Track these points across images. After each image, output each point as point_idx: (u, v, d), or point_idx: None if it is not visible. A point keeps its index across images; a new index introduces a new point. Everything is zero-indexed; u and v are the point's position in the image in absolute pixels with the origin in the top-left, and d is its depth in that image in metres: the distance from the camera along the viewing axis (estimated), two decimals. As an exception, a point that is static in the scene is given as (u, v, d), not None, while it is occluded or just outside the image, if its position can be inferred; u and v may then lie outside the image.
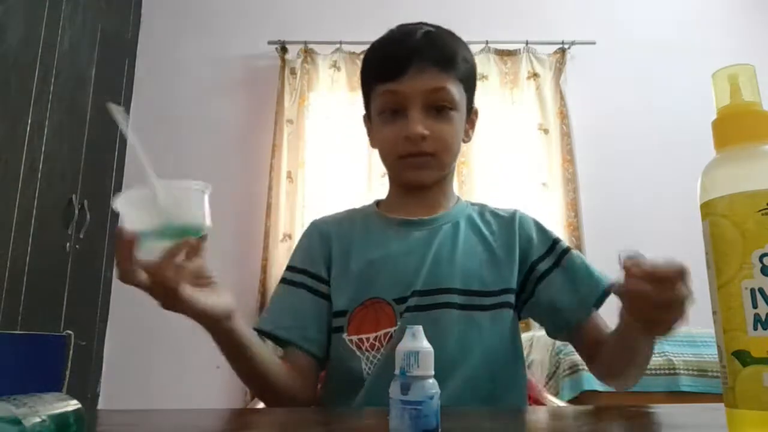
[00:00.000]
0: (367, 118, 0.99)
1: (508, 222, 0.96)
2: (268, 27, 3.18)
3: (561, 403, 1.19)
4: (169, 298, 0.63)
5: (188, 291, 0.66)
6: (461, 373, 0.83)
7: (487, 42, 3.12)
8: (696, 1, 3.38)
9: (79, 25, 2.49)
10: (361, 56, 3.09)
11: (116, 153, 2.94)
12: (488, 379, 0.85)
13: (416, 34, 0.90)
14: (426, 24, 0.94)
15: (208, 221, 0.68)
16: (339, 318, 0.88)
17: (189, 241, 0.66)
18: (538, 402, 1.07)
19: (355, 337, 0.86)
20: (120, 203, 0.64)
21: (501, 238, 0.94)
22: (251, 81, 3.19)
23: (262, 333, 0.88)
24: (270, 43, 3.12)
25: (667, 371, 1.85)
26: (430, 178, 0.92)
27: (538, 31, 3.18)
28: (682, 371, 1.84)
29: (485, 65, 3.09)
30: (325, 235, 0.96)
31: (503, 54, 3.16)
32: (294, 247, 1.00)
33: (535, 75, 3.12)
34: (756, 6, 3.36)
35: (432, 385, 0.47)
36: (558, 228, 2.91)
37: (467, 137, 0.97)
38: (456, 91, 0.89)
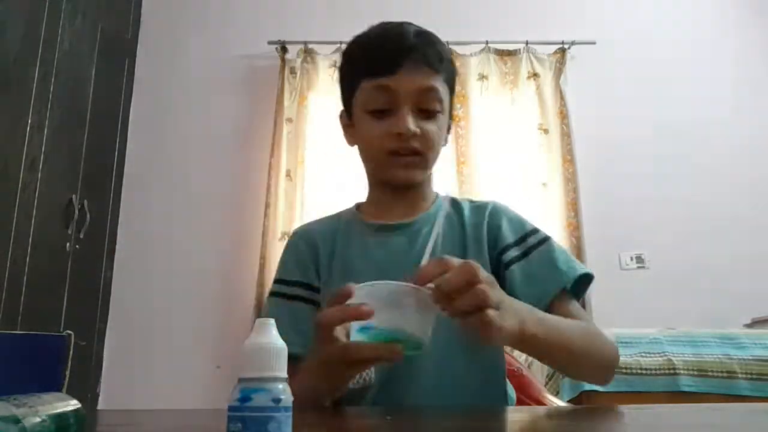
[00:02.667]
0: (346, 115, 0.96)
1: (481, 212, 0.95)
2: (268, 27, 3.18)
3: (561, 403, 1.19)
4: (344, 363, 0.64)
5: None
6: (448, 372, 0.84)
7: (487, 42, 3.11)
8: (696, 0, 3.38)
9: (79, 25, 2.49)
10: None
11: (116, 153, 2.94)
12: (471, 374, 0.86)
13: (410, 31, 0.89)
14: (411, 24, 0.93)
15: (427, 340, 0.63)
16: None
17: (398, 350, 0.60)
18: (538, 402, 1.07)
19: None
20: (359, 290, 0.61)
21: (472, 231, 0.93)
22: (251, 81, 3.19)
23: None
24: (270, 43, 3.12)
25: (667, 371, 1.85)
26: (417, 178, 0.92)
27: (538, 31, 3.17)
28: (682, 371, 1.84)
29: (485, 65, 3.09)
30: (311, 243, 0.96)
31: (503, 54, 3.15)
32: (281, 258, 0.99)
33: (535, 75, 3.12)
34: (755, 6, 3.36)
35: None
36: (558, 228, 2.91)
37: (444, 142, 0.95)
38: (443, 92, 0.89)
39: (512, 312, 0.65)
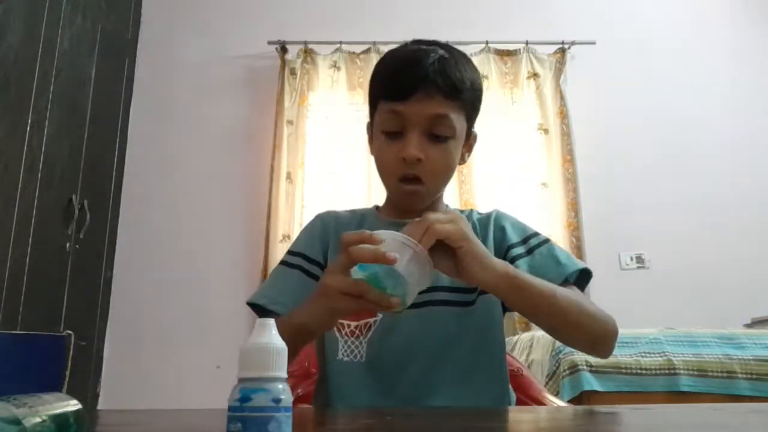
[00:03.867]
0: (370, 127, 1.01)
1: (486, 221, 1.01)
2: (268, 27, 3.18)
3: (561, 403, 1.19)
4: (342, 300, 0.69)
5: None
6: (445, 364, 0.89)
7: (487, 42, 3.11)
8: (695, 1, 3.38)
9: (79, 25, 2.49)
10: (361, 56, 3.12)
11: (116, 153, 2.94)
12: (471, 367, 0.90)
13: (429, 57, 0.90)
14: (440, 45, 0.94)
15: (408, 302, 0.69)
16: None
17: (390, 302, 0.67)
18: (538, 402, 1.07)
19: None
20: (384, 234, 0.68)
21: (480, 236, 0.97)
22: (251, 81, 3.19)
23: (254, 306, 0.94)
24: (270, 43, 3.12)
25: (667, 371, 1.85)
26: (420, 205, 0.96)
27: (538, 31, 3.17)
28: (682, 371, 1.84)
29: (485, 65, 3.09)
30: (326, 227, 1.02)
31: (503, 54, 3.15)
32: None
33: (535, 75, 3.12)
34: (755, 6, 3.36)
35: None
36: (558, 228, 2.91)
37: (463, 160, 1.00)
38: (457, 119, 0.92)
39: (488, 254, 0.76)
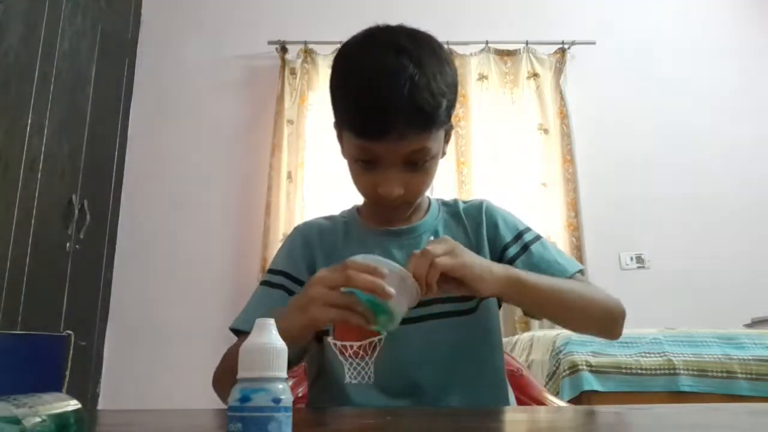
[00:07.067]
0: (339, 127, 0.95)
1: (476, 213, 0.98)
2: (268, 27, 3.18)
3: (561, 403, 1.19)
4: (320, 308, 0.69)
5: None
6: (453, 374, 0.87)
7: (487, 42, 3.11)
8: (696, 0, 3.38)
9: (79, 25, 2.49)
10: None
11: (116, 153, 2.94)
12: (477, 372, 0.89)
13: (398, 85, 0.77)
14: (405, 51, 0.81)
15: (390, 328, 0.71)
16: None
17: (373, 321, 0.68)
18: (539, 402, 1.07)
19: (339, 343, 0.88)
20: (388, 266, 0.69)
21: (473, 232, 0.97)
22: (251, 81, 3.19)
23: (238, 332, 0.90)
24: (270, 43, 3.12)
25: (667, 371, 1.85)
26: (403, 216, 0.95)
27: (538, 31, 3.17)
28: (682, 371, 1.84)
29: (485, 65, 3.09)
30: (308, 241, 0.98)
31: (503, 54, 3.15)
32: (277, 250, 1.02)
33: (535, 75, 3.12)
34: (756, 6, 3.36)
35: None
36: (558, 228, 2.91)
37: (443, 155, 0.93)
38: (435, 142, 0.84)
39: (487, 265, 0.76)
